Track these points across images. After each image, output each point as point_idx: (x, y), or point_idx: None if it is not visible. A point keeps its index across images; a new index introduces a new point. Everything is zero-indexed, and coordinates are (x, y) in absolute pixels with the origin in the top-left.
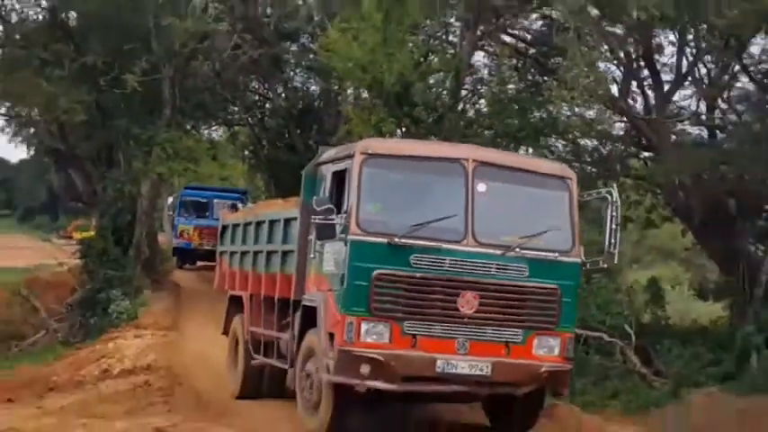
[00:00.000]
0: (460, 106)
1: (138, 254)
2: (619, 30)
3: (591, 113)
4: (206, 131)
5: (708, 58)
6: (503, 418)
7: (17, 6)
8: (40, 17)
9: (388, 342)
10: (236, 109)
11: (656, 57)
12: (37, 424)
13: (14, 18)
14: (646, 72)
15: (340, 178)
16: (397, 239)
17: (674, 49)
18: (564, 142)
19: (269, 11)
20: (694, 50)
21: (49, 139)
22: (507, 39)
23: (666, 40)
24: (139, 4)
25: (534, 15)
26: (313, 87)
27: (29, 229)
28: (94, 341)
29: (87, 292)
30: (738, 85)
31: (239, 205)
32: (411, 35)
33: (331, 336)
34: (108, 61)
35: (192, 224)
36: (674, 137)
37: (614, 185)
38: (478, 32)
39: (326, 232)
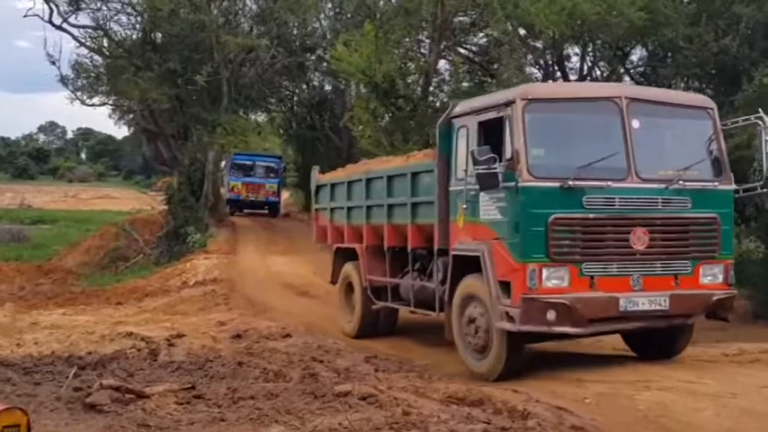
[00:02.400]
0: (429, 98)
1: (206, 201)
2: (539, 44)
3: None
4: (253, 116)
5: (601, 63)
6: (649, 347)
7: (120, 28)
8: (136, 36)
9: (567, 286)
10: (273, 100)
11: (566, 62)
12: (138, 318)
13: (118, 37)
14: (558, 73)
15: (491, 127)
16: (570, 182)
17: (578, 57)
18: None
19: (295, 31)
20: (592, 58)
21: (143, 122)
22: (462, 51)
23: (572, 51)
24: (205, 26)
25: (480, 34)
26: (327, 85)
27: (130, 185)
28: (177, 262)
29: (171, 228)
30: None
31: (274, 166)
32: (395, 48)
33: (504, 284)
34: (183, 66)
35: (240, 181)
36: None
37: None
38: (441, 46)
39: (490, 181)
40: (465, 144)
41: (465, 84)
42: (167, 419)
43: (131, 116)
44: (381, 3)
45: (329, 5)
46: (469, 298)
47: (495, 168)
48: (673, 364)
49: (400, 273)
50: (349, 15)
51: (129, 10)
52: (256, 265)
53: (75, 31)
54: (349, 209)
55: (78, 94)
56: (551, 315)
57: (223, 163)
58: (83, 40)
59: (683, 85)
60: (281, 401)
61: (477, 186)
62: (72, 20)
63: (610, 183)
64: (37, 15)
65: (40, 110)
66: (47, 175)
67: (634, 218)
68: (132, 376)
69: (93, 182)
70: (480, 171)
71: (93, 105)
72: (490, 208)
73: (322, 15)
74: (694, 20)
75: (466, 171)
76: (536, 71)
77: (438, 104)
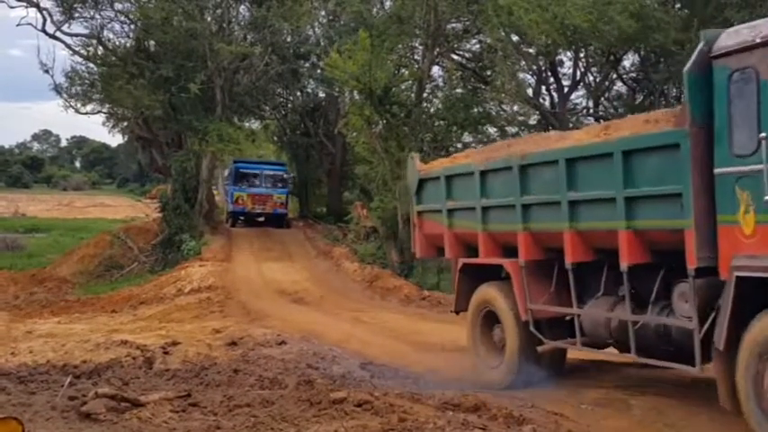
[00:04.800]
0: (423, 104)
1: (200, 209)
2: (532, 50)
3: (515, 108)
4: (247, 124)
5: (594, 69)
6: None
7: (113, 36)
8: (129, 44)
9: None
10: (267, 107)
11: (559, 68)
12: (133, 326)
13: (112, 45)
14: (551, 79)
15: None
16: None
17: (571, 63)
18: (495, 129)
19: (289, 38)
20: (584, 64)
21: (137, 129)
22: (455, 57)
23: (565, 57)
24: (198, 33)
25: (473, 41)
26: (320, 92)
27: (124, 193)
28: (171, 270)
29: (166, 236)
30: (615, 88)
31: (282, 175)
32: (389, 55)
33: None
34: (177, 74)
35: (246, 192)
36: (571, 125)
37: None
38: (435, 53)
39: None
40: (754, 96)
41: (459, 90)
42: (163, 428)
43: (125, 124)
44: (375, 10)
45: (322, 13)
46: None
47: None
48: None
49: (586, 299)
50: (342, 22)
51: (123, 18)
52: (251, 273)
53: (68, 40)
54: (485, 209)
55: (72, 102)
56: None
57: (227, 171)
58: (76, 49)
59: (675, 90)
60: (276, 409)
61: None
62: (65, 28)
63: None
64: (30, 24)
65: (34, 118)
66: (41, 183)
67: None
68: (127, 384)
69: (87, 190)
70: None
71: (86, 113)
72: None
73: (316, 23)
74: (686, 25)
75: (765, 139)
76: (529, 77)
77: (432, 110)
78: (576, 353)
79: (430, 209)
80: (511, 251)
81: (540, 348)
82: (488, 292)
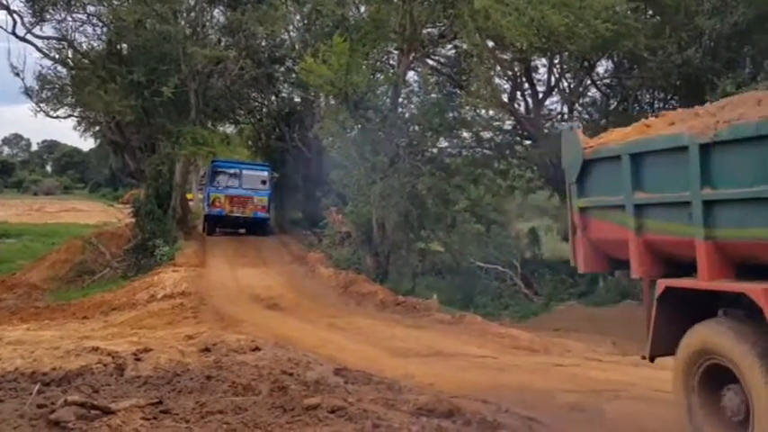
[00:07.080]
0: (399, 109)
1: (174, 213)
2: (507, 56)
3: (490, 113)
4: (221, 128)
5: (568, 75)
6: None
7: (84, 39)
8: (101, 47)
9: None
10: (241, 112)
11: (533, 74)
12: (104, 333)
13: (83, 48)
14: (526, 85)
15: None
16: None
17: (546, 69)
18: (470, 133)
19: (264, 42)
20: (559, 70)
21: (109, 134)
22: (430, 62)
23: (540, 62)
24: (171, 37)
25: (449, 46)
26: (296, 97)
27: (97, 198)
28: (144, 275)
29: (139, 241)
30: (589, 94)
31: (265, 175)
32: (364, 59)
33: None
34: (149, 78)
35: (223, 193)
36: (545, 130)
37: None
38: (410, 58)
39: None
40: None
41: (434, 95)
42: None
43: (97, 128)
44: (351, 14)
45: (298, 17)
46: None
47: None
48: (644, 372)
49: None
50: (318, 26)
51: (95, 21)
52: (225, 278)
53: (39, 43)
54: (708, 205)
55: (43, 105)
56: None
57: (201, 171)
58: (47, 52)
59: (648, 96)
60: (249, 415)
61: None
62: (36, 31)
63: None
64: (0, 27)
65: (4, 122)
66: (11, 188)
67: None
68: (98, 392)
69: (58, 195)
70: None
71: (58, 117)
72: None
73: (291, 27)
74: (658, 32)
75: None
76: (504, 82)
77: (407, 115)
78: (549, 357)
79: (602, 203)
80: (757, 271)
81: None
82: (715, 336)
